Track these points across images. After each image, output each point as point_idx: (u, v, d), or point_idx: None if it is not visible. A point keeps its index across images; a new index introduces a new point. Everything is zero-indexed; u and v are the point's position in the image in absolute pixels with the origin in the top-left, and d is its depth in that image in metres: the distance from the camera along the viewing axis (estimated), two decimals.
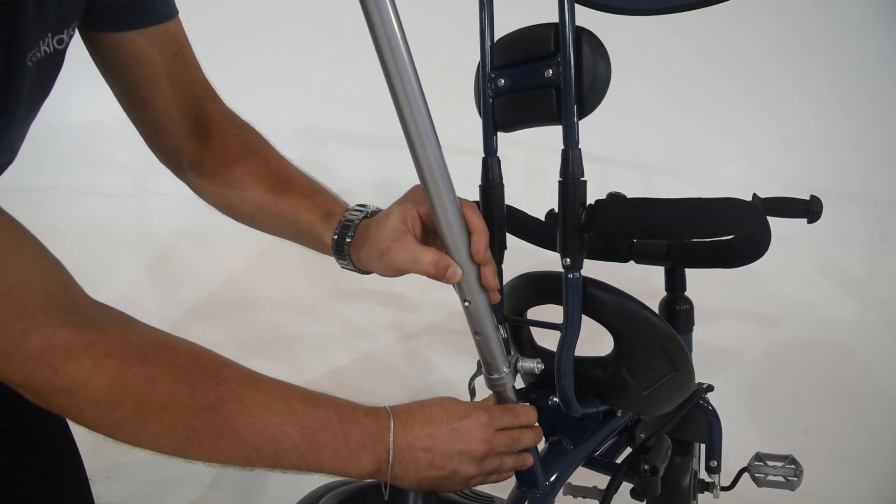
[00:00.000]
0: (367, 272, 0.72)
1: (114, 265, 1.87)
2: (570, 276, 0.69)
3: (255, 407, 0.53)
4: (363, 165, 2.14)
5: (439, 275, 0.62)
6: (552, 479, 0.78)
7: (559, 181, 0.68)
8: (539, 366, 0.71)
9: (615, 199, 1.06)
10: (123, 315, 0.53)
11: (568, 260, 0.68)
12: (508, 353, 0.71)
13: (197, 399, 0.50)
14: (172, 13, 0.71)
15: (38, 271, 0.47)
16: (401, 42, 0.50)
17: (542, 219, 1.15)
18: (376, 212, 0.72)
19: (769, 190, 2.12)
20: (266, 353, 1.83)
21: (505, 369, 0.68)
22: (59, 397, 0.47)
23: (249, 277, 1.79)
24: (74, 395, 0.46)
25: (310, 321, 1.87)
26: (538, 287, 0.79)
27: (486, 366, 0.68)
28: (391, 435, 0.61)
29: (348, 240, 0.70)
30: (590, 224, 0.67)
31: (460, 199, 0.60)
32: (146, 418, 0.49)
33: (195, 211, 1.91)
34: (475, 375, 0.72)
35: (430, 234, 0.68)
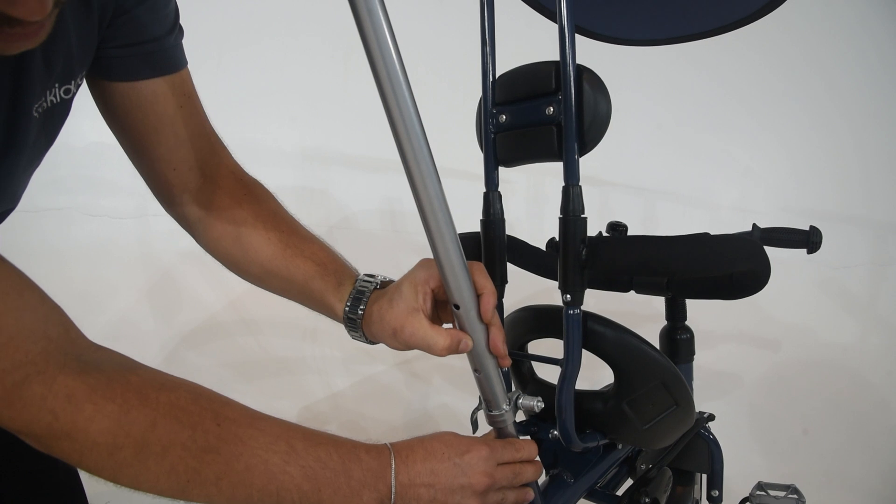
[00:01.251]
0: (376, 343, 0.73)
1: (116, 287, 1.87)
2: (571, 311, 0.69)
3: (256, 447, 0.53)
4: (366, 189, 2.15)
5: (453, 353, 0.64)
6: None
7: (560, 217, 0.68)
8: (539, 404, 0.70)
9: (615, 234, 1.07)
10: (124, 358, 0.53)
11: (569, 296, 0.69)
12: (509, 389, 0.70)
13: (197, 440, 0.50)
14: (181, 64, 0.71)
15: (39, 318, 0.47)
16: (406, 93, 0.49)
17: (543, 247, 1.16)
18: (386, 282, 0.72)
19: (770, 213, 2.14)
20: (266, 377, 1.83)
21: (505, 406, 0.68)
22: (60, 442, 0.47)
23: (250, 300, 1.79)
24: (75, 440, 0.47)
25: (310, 345, 1.87)
26: (538, 321, 0.79)
27: (486, 402, 0.68)
28: (392, 472, 0.60)
29: (360, 311, 0.71)
30: (590, 261, 0.67)
31: (469, 262, 0.62)
32: (147, 461, 0.49)
33: None
34: (477, 409, 0.72)
35: (440, 307, 0.69)
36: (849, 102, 2.19)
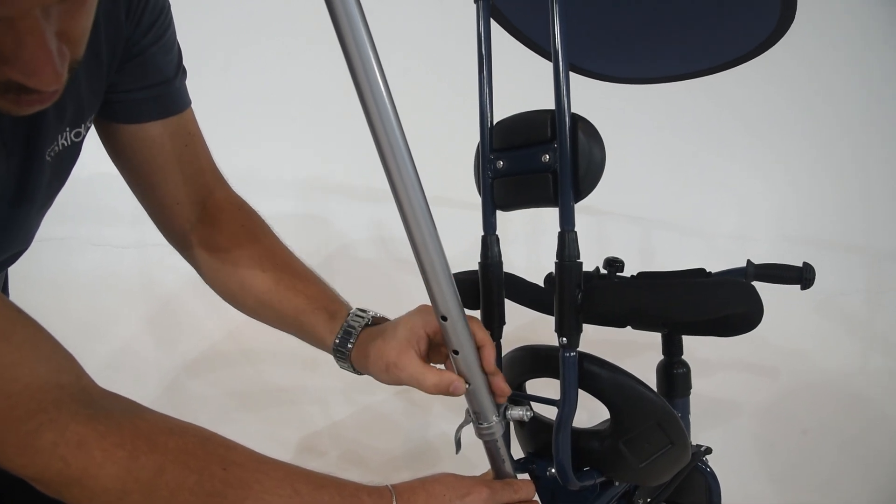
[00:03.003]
0: (363, 375, 0.75)
1: (117, 317, 1.88)
2: (567, 354, 0.71)
3: (260, 491, 0.55)
4: (365, 218, 2.17)
5: (441, 393, 0.67)
6: None
7: (556, 262, 0.70)
8: (528, 413, 0.71)
9: (612, 271, 1.08)
10: (133, 404, 0.54)
11: (565, 339, 0.70)
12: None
13: (204, 485, 0.52)
14: (186, 104, 0.75)
15: (52, 367, 0.49)
16: (401, 143, 0.52)
17: (542, 283, 1.18)
18: (378, 318, 0.76)
19: (766, 240, 2.16)
20: (267, 407, 1.84)
21: (494, 418, 0.68)
22: (70, 489, 0.48)
23: (249, 331, 1.79)
24: (85, 486, 0.48)
25: (310, 375, 1.88)
26: (535, 361, 0.80)
27: (475, 415, 0.68)
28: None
29: (349, 346, 0.74)
30: (585, 306, 0.69)
31: (467, 317, 0.64)
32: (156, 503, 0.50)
33: None
34: (462, 425, 0.72)
35: (433, 349, 0.72)
36: (850, 129, 2.22)
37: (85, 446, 0.47)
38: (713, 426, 1.83)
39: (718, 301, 0.69)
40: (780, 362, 2.04)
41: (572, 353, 0.71)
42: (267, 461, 0.58)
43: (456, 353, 0.64)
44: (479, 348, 0.66)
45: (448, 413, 1.82)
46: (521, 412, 0.71)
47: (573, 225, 0.70)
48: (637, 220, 2.11)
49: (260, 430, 1.78)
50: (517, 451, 0.81)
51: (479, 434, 0.70)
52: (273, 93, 2.04)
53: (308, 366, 1.87)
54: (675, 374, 1.08)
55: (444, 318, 0.61)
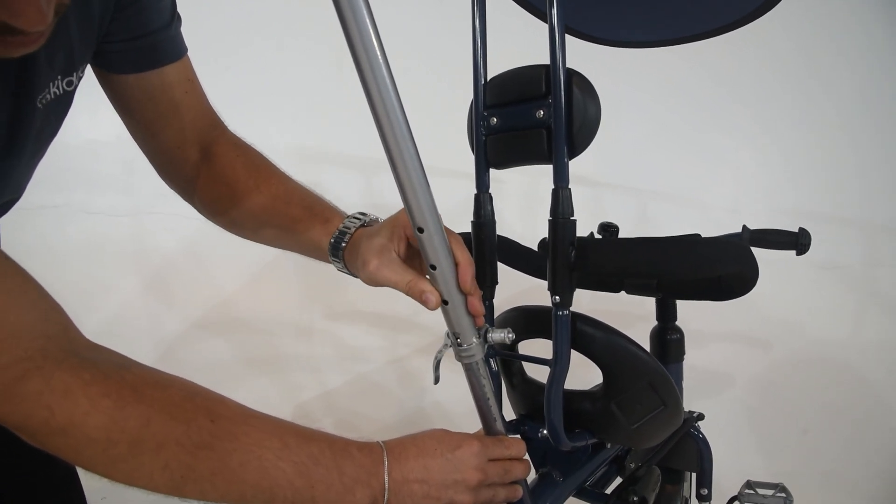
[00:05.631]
0: (358, 277, 0.75)
1: (110, 285, 1.87)
2: (560, 313, 0.70)
3: (249, 444, 0.54)
4: (358, 188, 2.16)
5: (414, 296, 0.64)
6: None
7: (549, 220, 0.69)
8: (510, 335, 0.68)
9: (604, 237, 1.07)
10: (120, 356, 0.54)
11: (558, 298, 0.70)
12: (498, 388, 0.70)
13: (191, 437, 0.51)
14: (181, 52, 0.74)
15: (40, 316, 0.48)
16: (385, 73, 0.50)
17: (535, 247, 1.17)
18: (373, 221, 0.75)
19: (761, 213, 2.15)
20: (260, 375, 1.84)
21: (475, 339, 0.65)
22: (55, 437, 0.47)
23: (243, 298, 1.79)
24: (70, 435, 0.47)
25: (304, 343, 1.87)
26: (528, 322, 0.79)
27: (454, 336, 0.66)
28: (385, 468, 0.61)
29: (343, 244, 0.73)
30: (579, 264, 0.68)
31: (447, 231, 0.62)
32: (141, 456, 0.50)
33: (191, 231, 1.93)
34: (442, 350, 0.69)
35: (413, 255, 0.70)
36: (844, 103, 2.20)
37: (70, 395, 0.47)
38: (706, 395, 1.84)
39: (712, 260, 0.68)
40: (773, 334, 2.05)
41: (565, 312, 0.70)
42: (255, 415, 0.57)
43: (433, 268, 0.61)
44: (456, 265, 0.62)
45: (441, 384, 1.82)
46: (502, 334, 0.67)
47: (567, 181, 0.68)
48: (633, 191, 2.10)
49: (253, 399, 1.74)
50: (509, 413, 0.81)
51: (459, 357, 0.67)
52: (265, 64, 2.01)
53: (302, 334, 1.86)
54: (668, 339, 1.08)
55: (421, 230, 0.58)
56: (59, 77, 0.60)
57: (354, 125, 1.80)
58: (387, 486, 0.60)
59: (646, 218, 2.13)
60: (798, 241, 0.98)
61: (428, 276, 0.64)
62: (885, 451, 1.75)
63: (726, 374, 1.97)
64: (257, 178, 0.79)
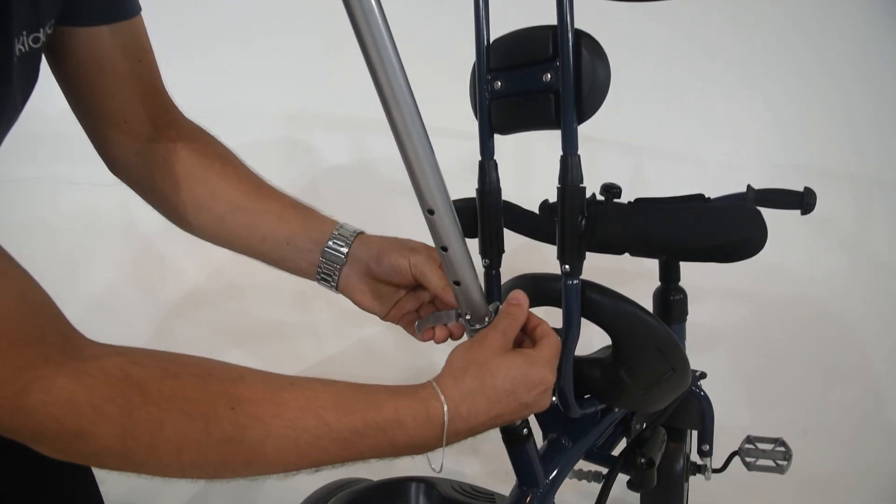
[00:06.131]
0: (334, 280, 0.71)
1: (99, 257, 1.84)
2: (570, 282, 0.69)
3: (280, 427, 0.48)
4: (348, 147, 2.12)
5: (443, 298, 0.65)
6: (552, 476, 0.79)
7: (558, 187, 0.67)
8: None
9: (609, 197, 1.05)
10: (121, 349, 0.48)
11: (567, 267, 0.68)
12: (489, 301, 0.66)
13: (212, 433, 0.46)
14: (135, 9, 0.67)
15: (39, 321, 0.44)
16: (392, 52, 0.48)
17: (537, 210, 1.15)
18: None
19: (758, 169, 2.14)
20: (258, 343, 1.83)
21: (488, 319, 0.64)
22: (72, 448, 0.44)
23: (237, 266, 1.76)
24: (86, 444, 0.44)
25: (300, 310, 1.86)
26: (536, 289, 0.78)
27: (466, 318, 0.65)
28: (445, 433, 0.55)
29: (359, 230, 0.71)
30: (589, 233, 0.66)
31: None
32: (163, 460, 0.46)
33: None
34: (433, 322, 0.69)
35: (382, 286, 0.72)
36: (834, 58, 2.17)
37: (74, 404, 0.43)
38: (702, 351, 1.85)
39: (726, 226, 0.67)
40: (767, 289, 2.06)
41: (575, 281, 0.69)
42: (283, 387, 0.51)
43: (444, 249, 0.59)
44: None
45: (437, 346, 1.82)
46: None
47: (576, 148, 0.66)
48: (629, 147, 2.08)
49: (255, 367, 1.77)
50: None
51: (472, 336, 0.66)
52: (252, 23, 1.94)
53: (297, 300, 1.85)
54: (672, 300, 1.08)
55: (431, 212, 0.56)
56: (24, 33, 0.53)
57: (343, 86, 1.76)
58: (444, 444, 0.56)
59: (642, 175, 2.11)
60: (803, 201, 0.97)
61: (441, 258, 0.62)
62: (868, 402, 1.78)
63: (719, 328, 1.99)
64: (234, 164, 0.74)
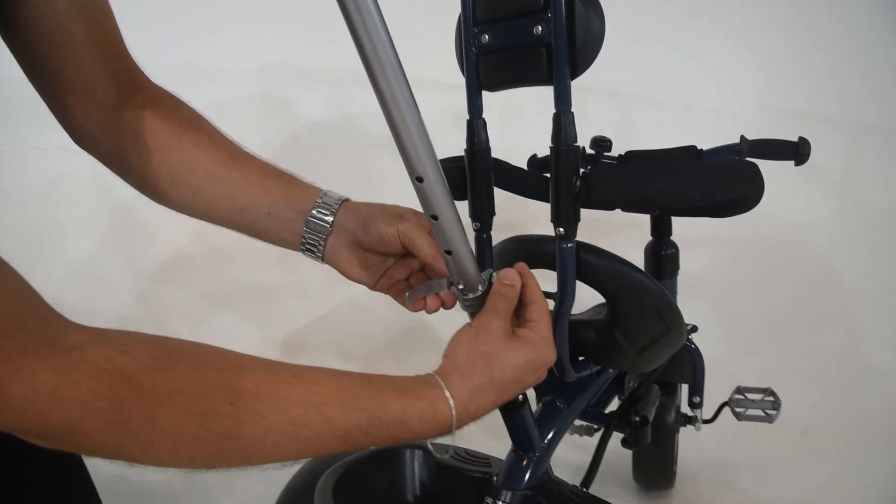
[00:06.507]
0: (320, 250, 0.68)
1: (74, 225, 1.78)
2: (565, 245, 0.67)
3: (281, 423, 0.46)
4: (327, 101, 2.06)
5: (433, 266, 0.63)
6: (548, 439, 0.78)
7: (551, 147, 0.65)
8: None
9: (597, 153, 1.03)
10: (108, 335, 0.45)
11: (562, 230, 0.66)
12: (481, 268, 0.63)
13: (210, 429, 0.44)
14: None
15: (18, 309, 0.41)
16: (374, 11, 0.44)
17: (525, 166, 1.12)
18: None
19: (745, 114, 2.11)
20: (245, 307, 1.81)
21: (481, 288, 0.61)
22: (61, 441, 0.42)
23: (218, 230, 1.72)
24: (75, 438, 0.42)
25: (286, 271, 1.83)
26: (528, 252, 0.76)
27: (458, 287, 0.62)
28: (454, 427, 0.54)
29: (344, 197, 0.68)
30: (584, 194, 0.64)
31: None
32: (159, 454, 0.44)
33: None
34: (424, 291, 0.66)
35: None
36: (819, 1, 2.12)
37: (58, 399, 0.40)
38: (687, 300, 1.86)
39: (725, 184, 0.65)
40: (752, 235, 2.05)
41: (570, 245, 0.67)
42: (285, 380, 0.48)
43: (435, 218, 0.56)
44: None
45: None
46: None
47: (569, 105, 0.63)
48: (613, 94, 2.03)
49: (242, 331, 1.76)
50: None
51: (465, 306, 0.64)
52: None
53: (283, 261, 1.82)
54: (663, 254, 1.06)
55: (420, 180, 0.53)
56: None
57: (320, 37, 1.70)
58: (454, 427, 0.54)
59: (629, 122, 2.07)
60: (798, 152, 0.95)
61: (431, 226, 0.58)
62: (850, 345, 1.80)
63: (703, 276, 1.99)
64: (209, 132, 0.69)
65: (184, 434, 0.43)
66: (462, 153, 0.72)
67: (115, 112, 0.67)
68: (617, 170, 0.67)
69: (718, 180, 0.65)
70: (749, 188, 0.67)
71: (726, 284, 2.01)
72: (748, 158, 1.01)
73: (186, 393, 0.44)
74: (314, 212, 0.67)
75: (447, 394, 0.54)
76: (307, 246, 0.68)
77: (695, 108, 2.08)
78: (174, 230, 1.80)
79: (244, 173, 0.69)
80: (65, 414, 0.40)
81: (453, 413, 0.53)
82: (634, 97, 2.09)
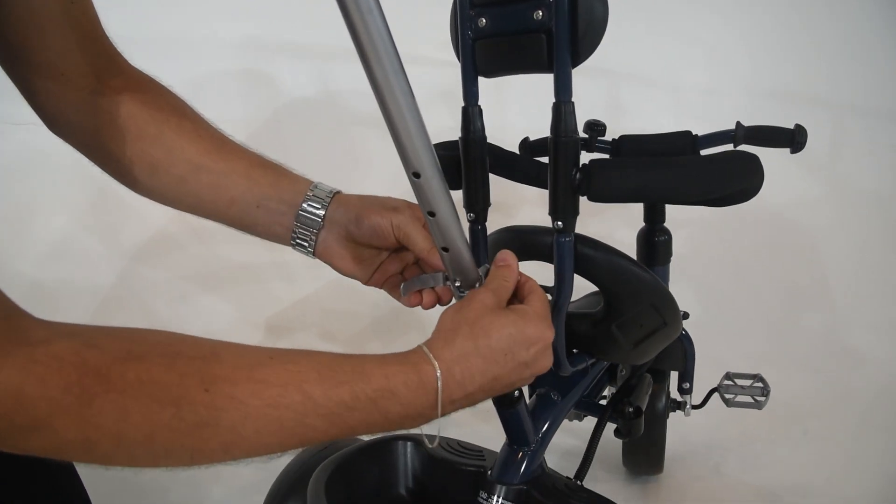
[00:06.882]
0: (312, 245, 0.66)
1: (52, 203, 1.73)
2: (563, 239, 0.65)
3: (261, 406, 0.44)
4: (309, 75, 2.01)
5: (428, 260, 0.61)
6: (542, 432, 0.77)
7: (550, 138, 0.62)
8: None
9: (591, 136, 1.01)
10: (74, 329, 0.43)
11: (560, 223, 0.64)
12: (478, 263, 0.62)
13: (185, 418, 0.42)
14: None
15: None
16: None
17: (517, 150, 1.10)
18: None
19: (734, 94, 2.09)
20: (228, 287, 1.77)
21: (478, 285, 0.60)
22: (28, 443, 0.40)
23: None
24: (42, 439, 0.40)
25: (270, 250, 1.80)
26: (523, 243, 0.74)
27: (455, 284, 0.61)
28: (440, 402, 0.52)
29: (336, 189, 0.66)
30: (583, 187, 0.62)
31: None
32: (132, 450, 0.42)
33: None
34: (418, 286, 0.65)
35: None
36: None
37: (24, 396, 0.38)
38: (672, 281, 1.86)
39: (729, 178, 0.63)
40: (737, 215, 2.05)
41: (568, 239, 0.65)
42: (262, 363, 0.46)
43: (432, 214, 0.54)
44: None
45: None
46: None
47: (570, 94, 0.61)
48: (602, 72, 2.00)
49: (225, 311, 1.73)
50: None
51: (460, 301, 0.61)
52: None
53: (265, 242, 1.79)
54: (656, 241, 1.05)
55: (417, 175, 0.51)
56: None
57: (305, 9, 1.65)
58: (440, 413, 0.52)
59: (617, 101, 2.04)
60: (794, 139, 0.94)
61: (428, 224, 0.57)
62: (833, 326, 1.82)
63: (687, 255, 1.98)
64: (193, 120, 0.67)
65: (157, 426, 0.41)
66: (449, 136, 0.70)
67: (91, 97, 0.64)
68: (619, 163, 0.65)
69: (721, 174, 0.63)
70: (751, 181, 0.66)
71: (710, 265, 2.01)
72: (743, 145, 1.00)
73: (158, 382, 0.42)
74: (305, 205, 0.65)
75: (430, 355, 0.52)
76: (298, 241, 0.66)
77: (684, 87, 2.06)
78: (155, 208, 1.72)
79: (230, 164, 0.66)
80: (32, 412, 0.38)
81: (437, 374, 0.51)
82: (623, 76, 2.06)
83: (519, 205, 1.85)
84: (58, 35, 0.59)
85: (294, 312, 1.78)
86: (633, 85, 2.05)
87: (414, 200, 0.66)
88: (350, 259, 0.66)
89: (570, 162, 0.62)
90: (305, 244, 0.66)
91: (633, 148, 1.00)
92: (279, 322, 1.76)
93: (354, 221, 0.64)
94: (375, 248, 0.67)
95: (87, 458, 0.43)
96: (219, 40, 1.88)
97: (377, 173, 2.14)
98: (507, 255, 0.60)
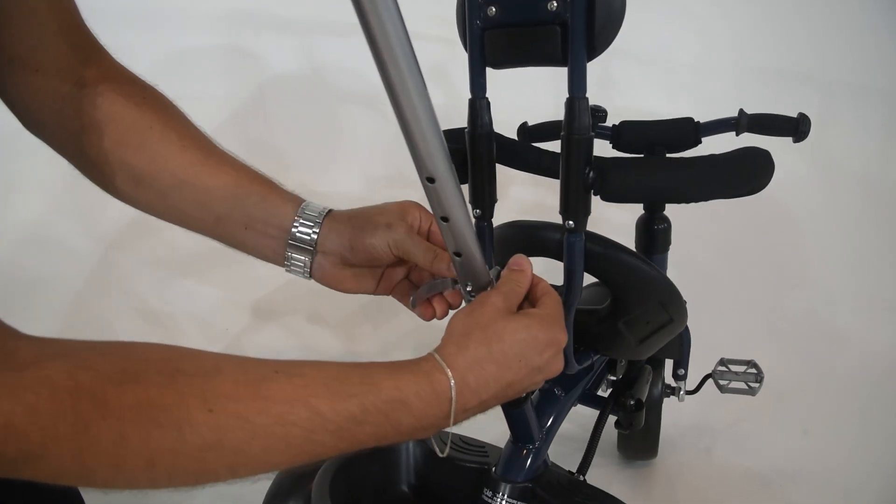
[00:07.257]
0: (307, 271, 0.65)
1: (23, 186, 1.67)
2: (574, 239, 0.64)
3: (268, 425, 0.43)
4: (298, 52, 1.95)
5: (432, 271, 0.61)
6: (546, 428, 0.77)
7: (562, 135, 0.60)
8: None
9: (597, 117, 0.98)
10: (65, 347, 0.41)
11: (571, 222, 0.62)
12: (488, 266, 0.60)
13: (189, 440, 0.40)
14: None
15: None
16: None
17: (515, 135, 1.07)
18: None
19: (725, 72, 2.07)
20: (215, 271, 1.73)
21: (490, 288, 0.59)
22: (22, 471, 0.38)
23: None
24: (37, 468, 0.38)
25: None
26: (530, 240, 0.73)
27: (466, 288, 0.59)
28: (453, 410, 0.50)
29: (329, 209, 0.63)
30: (597, 186, 0.60)
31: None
32: (134, 474, 0.40)
33: None
34: (431, 292, 0.64)
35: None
36: None
37: (13, 427, 0.36)
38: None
39: (744, 177, 0.62)
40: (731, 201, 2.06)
41: (579, 238, 0.64)
42: (266, 377, 0.44)
43: (445, 220, 0.52)
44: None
45: None
46: None
47: (584, 90, 0.59)
48: None
49: (213, 296, 1.69)
50: None
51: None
52: None
53: None
54: (655, 229, 1.04)
55: (431, 180, 0.49)
56: None
57: None
58: (453, 422, 0.51)
59: (609, 79, 2.01)
60: (798, 128, 0.93)
61: (441, 229, 0.55)
62: (820, 307, 1.84)
63: (675, 236, 1.99)
64: (177, 128, 0.63)
65: (158, 451, 0.39)
66: (451, 123, 0.67)
67: (71, 94, 0.59)
68: (634, 163, 0.64)
69: (737, 173, 0.62)
70: (763, 178, 0.64)
71: (696, 245, 2.01)
72: (746, 133, 0.98)
73: (157, 405, 0.40)
74: (295, 230, 0.62)
75: (443, 363, 0.50)
76: (293, 268, 0.64)
77: (676, 63, 2.04)
78: None
79: (215, 179, 0.62)
80: (24, 443, 0.36)
81: (451, 383, 0.49)
82: (614, 52, 2.03)
83: (507, 184, 1.84)
84: (34, 28, 0.55)
85: (282, 295, 1.75)
86: (623, 61, 2.01)
87: (414, 200, 0.65)
88: (350, 279, 0.65)
89: (584, 160, 0.60)
90: (300, 271, 0.64)
91: (635, 135, 0.98)
92: (267, 305, 1.73)
93: (349, 249, 0.63)
94: (373, 267, 0.65)
95: (85, 484, 0.41)
96: (200, 13, 1.81)
97: (361, 150, 2.10)
98: (522, 260, 0.59)
